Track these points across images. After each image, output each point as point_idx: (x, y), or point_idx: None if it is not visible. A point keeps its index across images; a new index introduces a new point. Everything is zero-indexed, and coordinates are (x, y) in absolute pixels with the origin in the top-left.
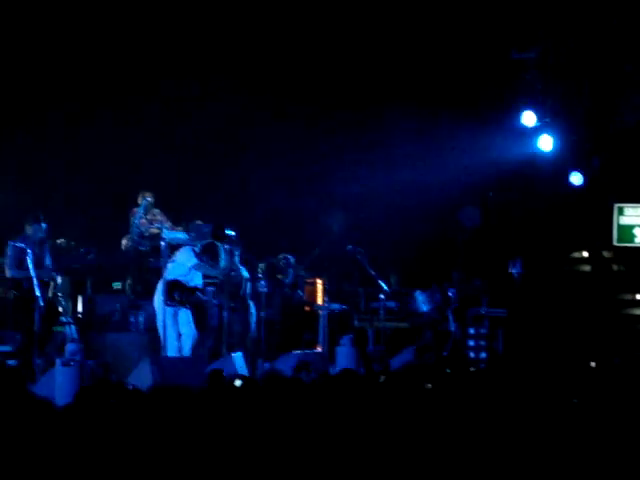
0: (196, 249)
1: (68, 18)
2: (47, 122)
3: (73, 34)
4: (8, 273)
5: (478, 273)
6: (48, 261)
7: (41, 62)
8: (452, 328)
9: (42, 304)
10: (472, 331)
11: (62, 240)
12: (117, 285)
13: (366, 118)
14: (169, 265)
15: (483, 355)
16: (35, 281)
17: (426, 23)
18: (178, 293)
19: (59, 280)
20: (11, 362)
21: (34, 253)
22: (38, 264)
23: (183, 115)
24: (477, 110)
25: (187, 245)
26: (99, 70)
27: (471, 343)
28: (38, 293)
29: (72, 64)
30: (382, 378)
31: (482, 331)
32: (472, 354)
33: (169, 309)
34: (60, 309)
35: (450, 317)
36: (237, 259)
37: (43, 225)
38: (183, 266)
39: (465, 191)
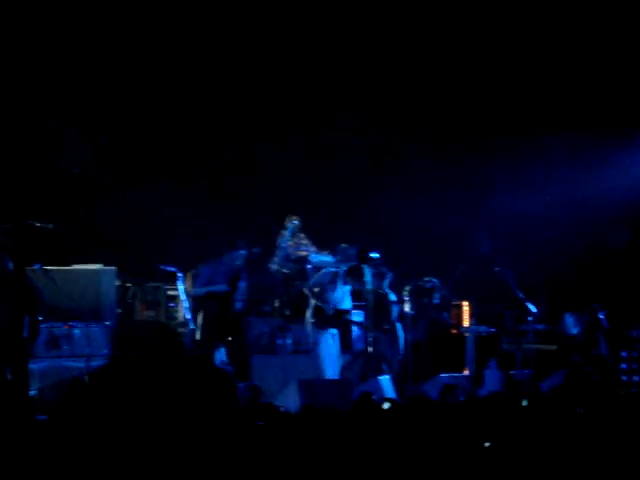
0: (340, 271)
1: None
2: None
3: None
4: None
5: (630, 295)
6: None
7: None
8: (603, 351)
9: (192, 327)
10: (624, 354)
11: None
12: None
13: (518, 141)
14: None
15: (636, 378)
16: (185, 304)
17: (575, 50)
18: (326, 316)
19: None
20: None
21: (226, 275)
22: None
23: (328, 140)
24: (629, 130)
25: (328, 267)
26: (260, 107)
27: (623, 366)
28: (188, 316)
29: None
30: (525, 402)
31: (634, 354)
32: (624, 377)
33: (319, 332)
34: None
35: (601, 340)
36: (387, 282)
37: (242, 252)
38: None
39: (616, 212)
